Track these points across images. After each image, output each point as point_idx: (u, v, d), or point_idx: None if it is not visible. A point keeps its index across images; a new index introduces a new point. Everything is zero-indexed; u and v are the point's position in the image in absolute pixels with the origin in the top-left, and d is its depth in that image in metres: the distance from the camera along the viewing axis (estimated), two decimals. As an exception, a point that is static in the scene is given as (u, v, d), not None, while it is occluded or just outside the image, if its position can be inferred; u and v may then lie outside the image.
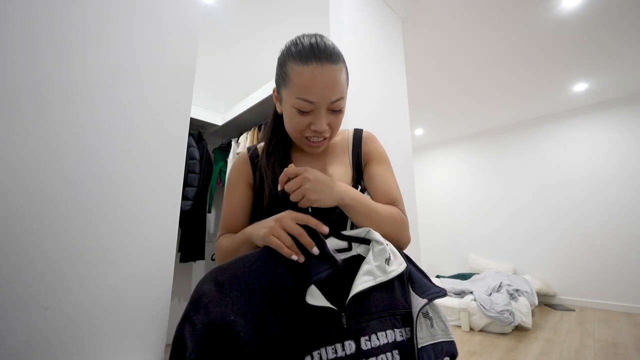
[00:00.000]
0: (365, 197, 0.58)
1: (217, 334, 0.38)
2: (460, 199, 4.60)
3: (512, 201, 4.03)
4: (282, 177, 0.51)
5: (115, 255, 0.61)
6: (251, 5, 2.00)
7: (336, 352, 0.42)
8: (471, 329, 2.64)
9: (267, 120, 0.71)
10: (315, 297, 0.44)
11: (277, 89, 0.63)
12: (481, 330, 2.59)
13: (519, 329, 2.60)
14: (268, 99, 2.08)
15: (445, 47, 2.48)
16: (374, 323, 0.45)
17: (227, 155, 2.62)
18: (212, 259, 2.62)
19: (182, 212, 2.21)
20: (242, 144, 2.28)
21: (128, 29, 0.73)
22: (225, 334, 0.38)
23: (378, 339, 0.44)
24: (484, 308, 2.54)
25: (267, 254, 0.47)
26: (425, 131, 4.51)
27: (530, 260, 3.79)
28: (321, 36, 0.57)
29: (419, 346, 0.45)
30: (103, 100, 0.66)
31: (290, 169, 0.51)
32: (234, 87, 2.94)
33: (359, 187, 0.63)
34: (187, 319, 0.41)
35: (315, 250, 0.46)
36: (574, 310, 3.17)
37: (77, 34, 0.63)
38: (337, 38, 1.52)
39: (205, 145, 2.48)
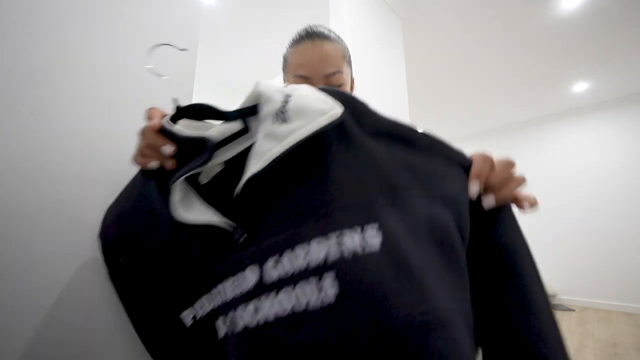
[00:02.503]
0: None
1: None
2: (460, 199, 4.59)
3: (512, 201, 4.02)
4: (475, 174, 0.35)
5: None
6: (251, 6, 2.00)
7: (234, 290, 0.28)
8: (471, 329, 2.64)
9: None
10: (191, 211, 0.31)
11: (283, 80, 0.61)
12: (481, 330, 2.59)
13: (519, 329, 2.60)
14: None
15: (445, 47, 2.48)
16: (291, 233, 0.27)
17: (227, 155, 2.62)
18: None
19: (182, 212, 2.20)
20: (242, 144, 2.28)
21: (128, 28, 0.73)
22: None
23: (297, 257, 0.26)
24: (484, 308, 2.54)
25: (138, 177, 0.41)
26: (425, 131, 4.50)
27: (530, 260, 3.78)
28: (317, 26, 0.57)
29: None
30: (102, 100, 0.66)
31: (476, 164, 0.36)
32: (234, 87, 2.94)
33: None
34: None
35: (166, 149, 0.34)
36: (574, 310, 3.17)
37: (76, 34, 0.63)
38: (337, 38, 1.52)
39: (205, 145, 2.48)
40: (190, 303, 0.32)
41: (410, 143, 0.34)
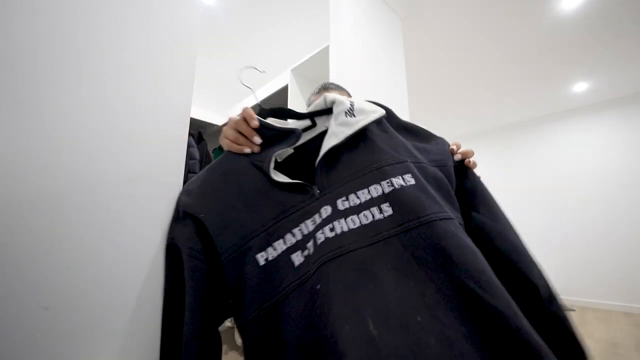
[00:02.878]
0: None
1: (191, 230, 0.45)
2: (460, 199, 4.59)
3: (512, 201, 4.02)
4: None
5: (115, 255, 0.61)
6: (251, 6, 2.00)
7: (314, 222, 0.41)
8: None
9: None
10: (279, 176, 0.45)
11: None
12: (481, 330, 2.59)
13: (519, 329, 2.60)
14: (268, 99, 2.08)
15: (446, 47, 2.48)
16: (353, 184, 0.42)
17: (227, 155, 2.62)
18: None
19: (182, 212, 2.20)
20: (242, 144, 2.28)
21: (127, 29, 0.73)
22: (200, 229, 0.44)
23: (358, 197, 0.41)
24: (484, 308, 2.54)
25: (227, 156, 0.51)
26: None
27: (530, 260, 3.78)
28: (331, 82, 0.81)
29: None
30: (101, 100, 0.66)
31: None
32: (234, 87, 2.94)
33: None
34: (171, 227, 0.49)
35: (257, 139, 0.48)
36: (574, 310, 3.17)
37: (75, 33, 0.63)
38: (337, 38, 1.52)
39: (205, 146, 2.48)
40: (262, 249, 0.41)
41: (417, 134, 0.55)
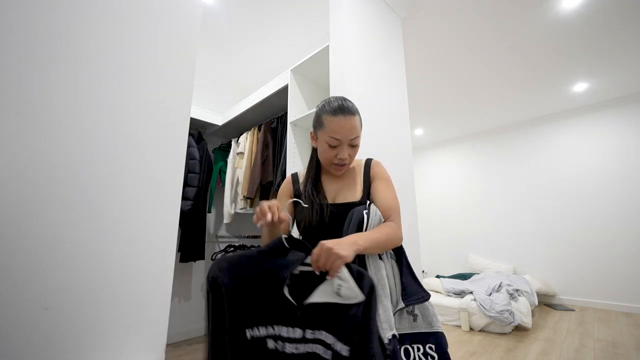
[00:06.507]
0: (368, 234, 0.70)
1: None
2: (461, 199, 4.60)
3: (513, 201, 4.03)
4: (313, 261, 0.61)
5: (115, 255, 0.61)
6: (251, 6, 2.01)
7: (288, 333, 0.57)
8: (471, 329, 2.64)
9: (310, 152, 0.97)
10: (286, 291, 0.60)
11: (314, 131, 0.86)
12: (481, 330, 2.59)
13: (519, 329, 2.60)
14: (268, 99, 2.08)
15: (446, 47, 2.48)
16: (324, 326, 0.57)
17: (227, 155, 2.62)
18: (212, 259, 2.62)
19: (182, 212, 2.21)
20: (242, 144, 2.28)
21: (128, 29, 0.73)
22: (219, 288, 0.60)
23: (326, 337, 0.56)
24: (484, 308, 2.54)
25: (256, 257, 0.63)
26: (426, 131, 4.51)
27: (530, 260, 3.79)
28: (344, 99, 0.82)
29: (398, 332, 0.61)
30: (102, 100, 0.66)
31: (313, 254, 0.61)
32: (234, 87, 2.94)
33: (368, 201, 0.80)
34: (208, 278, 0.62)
35: (269, 216, 0.64)
36: (574, 310, 3.17)
37: (76, 34, 0.63)
38: (337, 38, 1.52)
39: (205, 145, 2.48)
40: (251, 326, 0.59)
41: None
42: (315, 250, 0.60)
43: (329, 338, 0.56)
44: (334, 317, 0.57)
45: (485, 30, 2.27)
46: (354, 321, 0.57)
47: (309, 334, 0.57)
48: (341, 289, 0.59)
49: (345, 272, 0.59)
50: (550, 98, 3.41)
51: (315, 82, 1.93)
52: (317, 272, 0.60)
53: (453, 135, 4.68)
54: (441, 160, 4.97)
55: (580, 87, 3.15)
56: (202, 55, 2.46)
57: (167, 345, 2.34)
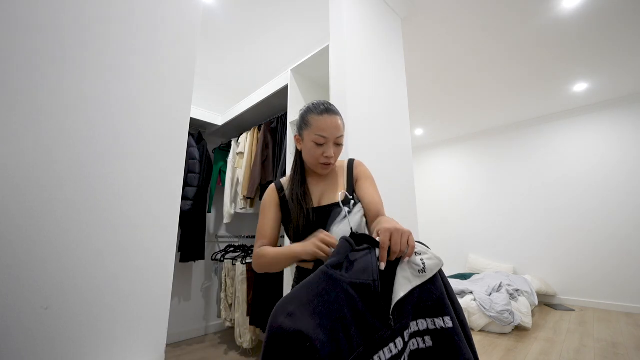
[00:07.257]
0: (394, 221, 0.70)
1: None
2: (461, 199, 4.60)
3: (513, 201, 4.03)
4: (392, 246, 0.56)
5: (115, 255, 0.61)
6: (251, 6, 2.01)
7: (391, 351, 0.50)
8: (471, 329, 2.64)
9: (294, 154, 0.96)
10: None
11: (299, 133, 0.88)
12: (481, 330, 2.59)
13: (519, 329, 2.60)
14: (267, 99, 2.08)
15: (446, 47, 2.48)
16: (412, 316, 0.54)
17: (227, 155, 2.62)
18: (212, 259, 2.62)
19: (182, 212, 2.21)
20: (242, 144, 2.28)
21: (128, 29, 0.73)
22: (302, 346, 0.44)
23: (417, 325, 0.55)
24: (484, 308, 2.54)
25: (325, 279, 0.52)
26: (426, 131, 4.50)
27: (530, 260, 3.79)
28: (329, 102, 0.86)
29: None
30: (102, 101, 0.66)
31: (383, 242, 0.56)
32: (234, 87, 2.94)
33: (351, 198, 0.83)
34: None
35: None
36: (574, 310, 3.17)
37: (76, 34, 0.63)
38: (337, 38, 1.52)
39: (205, 145, 2.48)
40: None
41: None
42: (383, 238, 0.55)
43: (422, 324, 0.53)
44: (420, 300, 0.54)
45: (485, 30, 2.27)
46: (441, 289, 0.56)
47: (406, 336, 0.52)
48: (425, 262, 0.56)
49: (418, 245, 0.57)
50: (550, 98, 3.41)
51: (315, 82, 1.93)
52: (383, 266, 0.54)
53: (453, 135, 4.68)
54: (441, 160, 4.97)
55: (580, 87, 3.15)
56: (202, 55, 2.46)
57: (167, 345, 2.34)
